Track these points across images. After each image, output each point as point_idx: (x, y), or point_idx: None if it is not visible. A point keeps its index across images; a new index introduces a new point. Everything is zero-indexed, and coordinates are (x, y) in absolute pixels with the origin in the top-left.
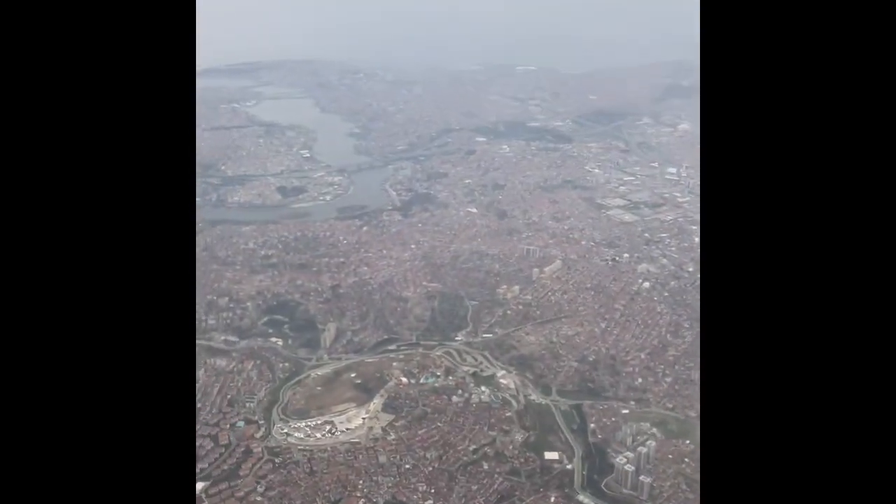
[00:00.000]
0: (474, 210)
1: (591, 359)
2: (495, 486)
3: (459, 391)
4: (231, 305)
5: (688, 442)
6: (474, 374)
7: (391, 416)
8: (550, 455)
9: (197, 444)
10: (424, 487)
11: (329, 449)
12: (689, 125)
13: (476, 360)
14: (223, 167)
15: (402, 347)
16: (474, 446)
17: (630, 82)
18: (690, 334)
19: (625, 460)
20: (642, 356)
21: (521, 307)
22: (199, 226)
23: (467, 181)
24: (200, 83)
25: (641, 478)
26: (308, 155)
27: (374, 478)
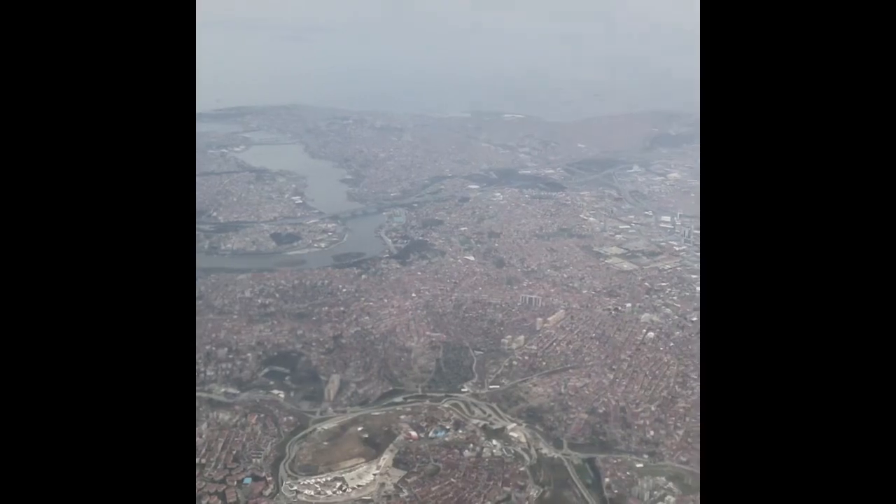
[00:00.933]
0: (472, 258)
1: (600, 411)
2: None
3: (471, 445)
4: (230, 356)
5: None
6: (484, 427)
7: (403, 472)
8: None
9: (204, 502)
10: None
11: None
12: (679, 174)
13: (484, 412)
14: (215, 213)
15: (408, 399)
16: (490, 502)
17: (618, 131)
18: (699, 385)
19: None
20: (652, 408)
21: (526, 357)
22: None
23: (463, 229)
24: None
25: None
26: (300, 201)
27: None
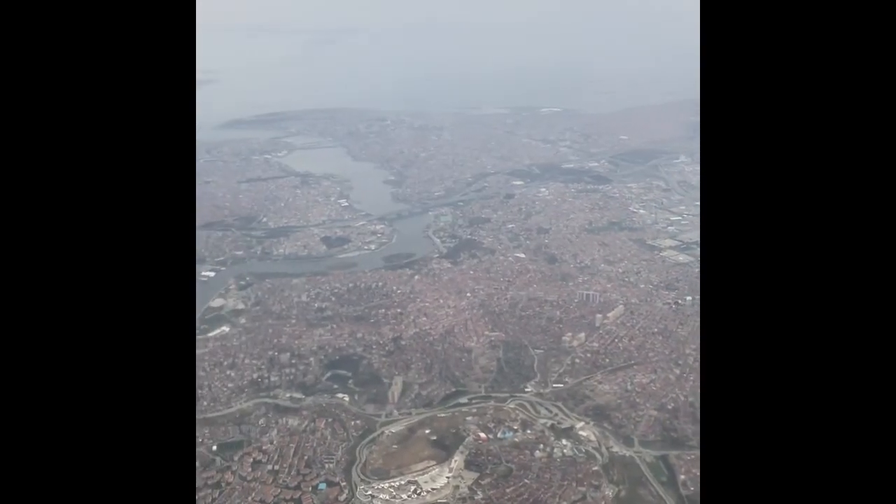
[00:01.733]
0: (522, 255)
1: (670, 407)
2: None
3: (541, 445)
4: (293, 361)
5: None
6: (552, 427)
7: (476, 474)
8: None
9: None
10: None
11: None
12: None
13: (550, 411)
14: (265, 219)
15: (473, 400)
16: (566, 503)
17: (659, 121)
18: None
19: None
20: None
21: (588, 355)
22: (246, 279)
23: (510, 226)
24: (230, 135)
25: None
26: (346, 204)
27: None
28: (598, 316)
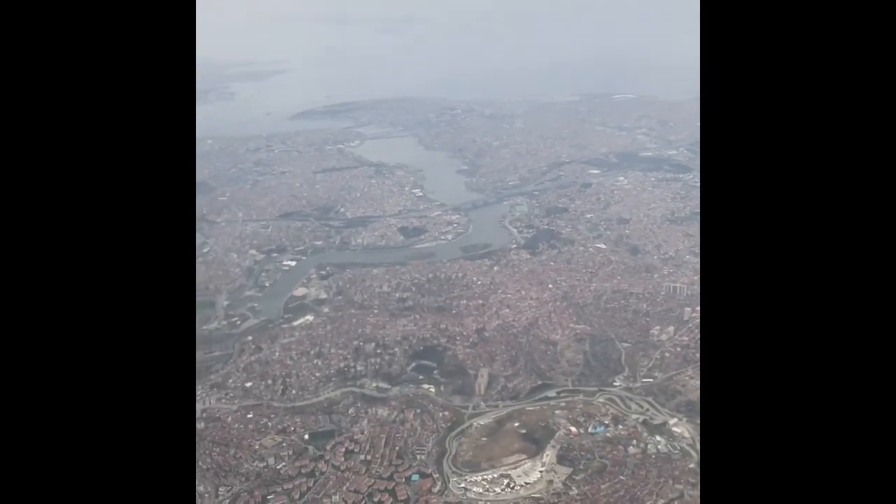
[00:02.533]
0: (603, 246)
1: None
2: None
3: (634, 441)
4: (378, 351)
5: None
6: (645, 423)
7: (569, 469)
8: None
9: (375, 499)
10: None
11: None
12: None
13: (641, 406)
14: (342, 209)
15: (560, 394)
16: (663, 501)
17: None
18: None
19: None
20: None
21: (678, 349)
22: (327, 268)
23: (589, 216)
24: (302, 125)
25: None
26: (420, 194)
27: None
28: (687, 309)
